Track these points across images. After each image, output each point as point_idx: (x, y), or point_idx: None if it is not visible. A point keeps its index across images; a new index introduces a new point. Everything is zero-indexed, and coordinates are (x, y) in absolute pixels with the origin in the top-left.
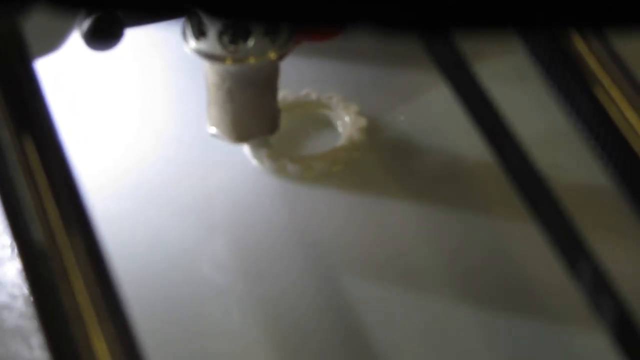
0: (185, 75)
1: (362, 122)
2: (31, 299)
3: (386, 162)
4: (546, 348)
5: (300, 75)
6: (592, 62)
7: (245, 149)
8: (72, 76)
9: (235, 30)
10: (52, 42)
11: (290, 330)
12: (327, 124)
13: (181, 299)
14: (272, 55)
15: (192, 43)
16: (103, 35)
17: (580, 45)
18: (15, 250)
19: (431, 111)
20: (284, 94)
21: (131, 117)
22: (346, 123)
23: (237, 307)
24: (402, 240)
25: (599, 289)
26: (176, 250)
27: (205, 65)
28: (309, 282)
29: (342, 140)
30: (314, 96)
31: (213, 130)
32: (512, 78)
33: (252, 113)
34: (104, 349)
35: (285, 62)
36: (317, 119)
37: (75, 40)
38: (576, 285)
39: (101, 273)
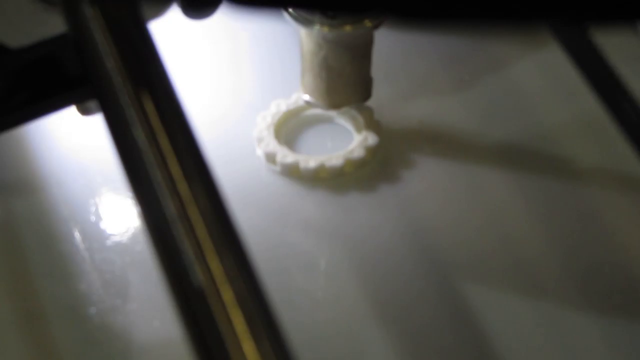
0: (281, 42)
1: (375, 123)
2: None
3: (399, 164)
4: None
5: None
6: None
7: (259, 151)
8: (171, 42)
9: None
10: (157, 9)
11: None
12: (340, 125)
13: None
14: (368, 23)
15: (291, 10)
16: (199, 4)
17: None
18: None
19: (445, 111)
20: (297, 96)
21: (225, 85)
22: (359, 124)
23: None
24: (418, 235)
25: None
26: (268, 209)
27: (302, 33)
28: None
29: (355, 142)
30: None
31: (307, 97)
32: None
33: (347, 81)
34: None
35: (299, 66)
36: (330, 120)
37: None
38: None
39: (223, 224)
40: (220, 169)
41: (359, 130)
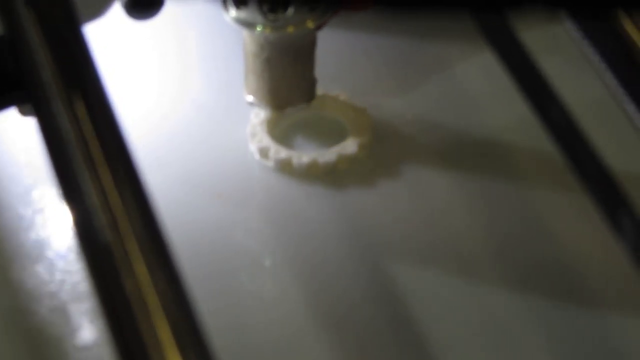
0: (224, 44)
1: (369, 119)
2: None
3: (392, 160)
4: (593, 332)
5: None
6: (637, 37)
7: (252, 146)
8: (112, 44)
9: (275, 0)
10: (95, 9)
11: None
12: (333, 121)
13: (214, 264)
14: (311, 24)
15: (232, 12)
16: (142, 5)
17: (627, 24)
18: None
19: (437, 106)
20: None
21: (169, 87)
22: (353, 120)
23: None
24: (411, 228)
25: None
26: (208, 214)
27: (245, 34)
28: (343, 249)
29: (348, 138)
30: (320, 92)
31: (250, 98)
32: (554, 48)
33: (290, 82)
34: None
35: None
36: (323, 116)
37: (116, 9)
38: (618, 241)
39: (160, 246)
40: (213, 164)
41: (352, 126)
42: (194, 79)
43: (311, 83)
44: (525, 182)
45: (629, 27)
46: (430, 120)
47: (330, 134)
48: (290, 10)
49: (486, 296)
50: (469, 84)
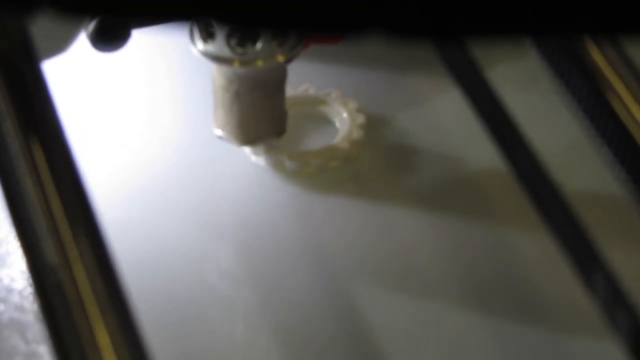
0: (192, 77)
1: (361, 118)
2: (36, 301)
3: (384, 159)
4: (552, 355)
5: (299, 72)
6: (605, 69)
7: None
8: (79, 78)
9: (243, 33)
10: (60, 44)
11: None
12: (325, 120)
13: (186, 307)
14: (280, 58)
15: (200, 45)
16: (109, 37)
17: (593, 51)
18: (19, 250)
19: (429, 110)
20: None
21: (137, 120)
22: (344, 119)
23: (244, 315)
24: (401, 239)
25: (614, 300)
26: (181, 254)
27: (213, 68)
28: (316, 284)
29: (339, 137)
30: (312, 92)
31: (219, 132)
32: (523, 83)
33: (259, 116)
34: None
35: None
36: (315, 115)
37: (82, 42)
38: (590, 296)
39: (108, 275)
40: (205, 162)
41: (343, 125)
42: (164, 111)
43: (282, 116)
44: (493, 216)
45: (595, 56)
46: (401, 129)
47: (322, 133)
48: (259, 44)
49: (448, 318)
50: (443, 118)
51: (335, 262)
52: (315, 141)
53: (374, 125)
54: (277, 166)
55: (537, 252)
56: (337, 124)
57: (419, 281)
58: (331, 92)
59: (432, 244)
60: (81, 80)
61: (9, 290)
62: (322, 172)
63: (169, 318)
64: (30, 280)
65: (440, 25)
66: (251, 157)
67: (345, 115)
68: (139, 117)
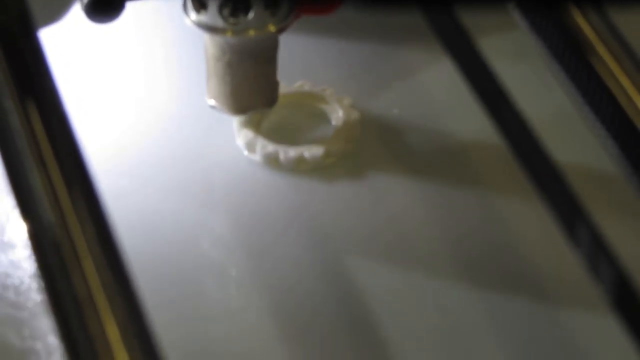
0: (186, 48)
1: (355, 114)
2: (35, 262)
3: (380, 154)
4: (548, 331)
5: (293, 68)
6: (590, 36)
7: (239, 140)
8: (73, 48)
9: (235, 3)
10: (55, 12)
11: (290, 312)
12: (320, 116)
13: (181, 277)
14: (272, 28)
15: (193, 15)
16: (103, 7)
17: (579, 18)
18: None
19: (425, 100)
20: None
21: (131, 90)
22: (339, 115)
23: (237, 286)
24: (400, 225)
25: (598, 254)
26: (175, 228)
27: (205, 38)
28: (310, 265)
29: (335, 133)
30: (307, 88)
31: (212, 102)
32: (512, 54)
33: (251, 85)
34: (116, 332)
35: (280, 55)
36: (310, 111)
37: (77, 11)
38: (574, 251)
39: (110, 248)
40: (199, 158)
41: (338, 121)
42: (158, 81)
43: (273, 87)
44: (485, 185)
45: (580, 21)
46: (396, 125)
47: (317, 129)
48: (251, 14)
49: (439, 288)
50: (435, 89)
51: (326, 231)
52: (311, 137)
53: (369, 121)
54: (271, 162)
55: (529, 222)
56: (333, 121)
57: (410, 251)
58: (326, 88)
59: (423, 214)
60: (75, 49)
61: (5, 287)
62: (317, 169)
63: (163, 284)
64: (29, 243)
65: None
66: (244, 152)
67: (340, 111)
68: (133, 87)
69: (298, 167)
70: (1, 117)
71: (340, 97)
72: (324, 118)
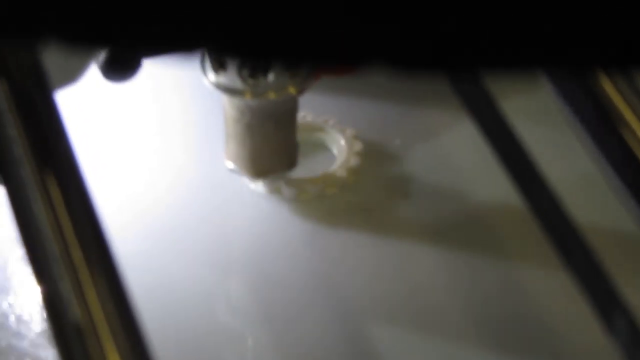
0: (203, 108)
1: (358, 145)
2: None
3: (381, 186)
4: None
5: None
6: (619, 102)
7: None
8: (91, 109)
9: (255, 65)
10: (71, 74)
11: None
12: (323, 147)
13: (196, 340)
14: (292, 90)
15: (211, 76)
16: (120, 66)
17: (607, 85)
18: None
19: (438, 143)
20: None
21: (148, 152)
22: (342, 146)
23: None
24: (425, 295)
25: (635, 343)
26: (190, 284)
27: (224, 99)
28: (329, 329)
29: (337, 164)
30: (309, 119)
31: (231, 165)
32: (536, 116)
33: (271, 148)
34: None
35: None
36: (312, 141)
37: (94, 72)
38: (610, 338)
39: (125, 315)
40: (202, 188)
41: (341, 152)
42: (175, 141)
43: (293, 148)
44: (508, 252)
45: (608, 88)
46: (414, 190)
47: (319, 160)
48: (271, 76)
49: (464, 358)
50: (456, 152)
51: (344, 294)
52: (313, 168)
53: (372, 153)
54: (274, 192)
55: (553, 289)
56: (335, 151)
57: (434, 320)
58: (329, 119)
59: (446, 281)
60: (93, 110)
61: (7, 316)
62: (319, 198)
63: (179, 352)
64: (44, 310)
65: (442, 56)
66: (249, 184)
67: (342, 142)
68: (149, 148)
69: (300, 197)
70: (18, 185)
71: (343, 127)
72: (326, 149)
